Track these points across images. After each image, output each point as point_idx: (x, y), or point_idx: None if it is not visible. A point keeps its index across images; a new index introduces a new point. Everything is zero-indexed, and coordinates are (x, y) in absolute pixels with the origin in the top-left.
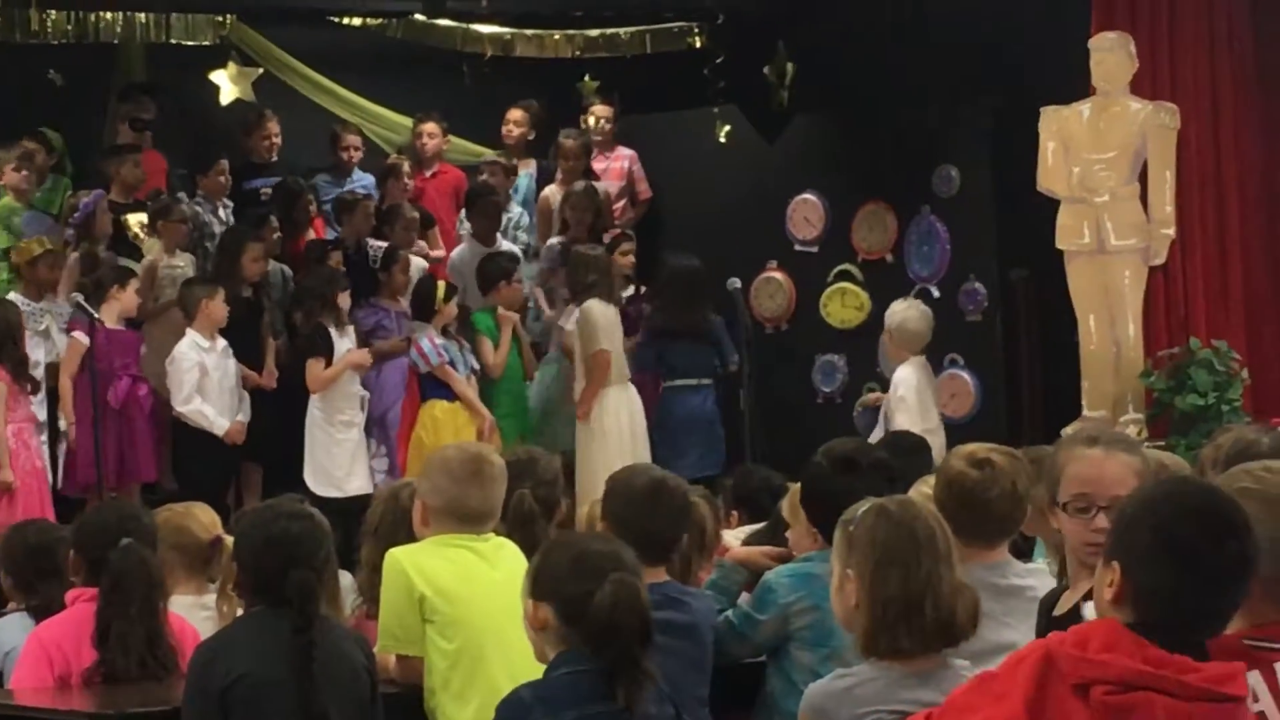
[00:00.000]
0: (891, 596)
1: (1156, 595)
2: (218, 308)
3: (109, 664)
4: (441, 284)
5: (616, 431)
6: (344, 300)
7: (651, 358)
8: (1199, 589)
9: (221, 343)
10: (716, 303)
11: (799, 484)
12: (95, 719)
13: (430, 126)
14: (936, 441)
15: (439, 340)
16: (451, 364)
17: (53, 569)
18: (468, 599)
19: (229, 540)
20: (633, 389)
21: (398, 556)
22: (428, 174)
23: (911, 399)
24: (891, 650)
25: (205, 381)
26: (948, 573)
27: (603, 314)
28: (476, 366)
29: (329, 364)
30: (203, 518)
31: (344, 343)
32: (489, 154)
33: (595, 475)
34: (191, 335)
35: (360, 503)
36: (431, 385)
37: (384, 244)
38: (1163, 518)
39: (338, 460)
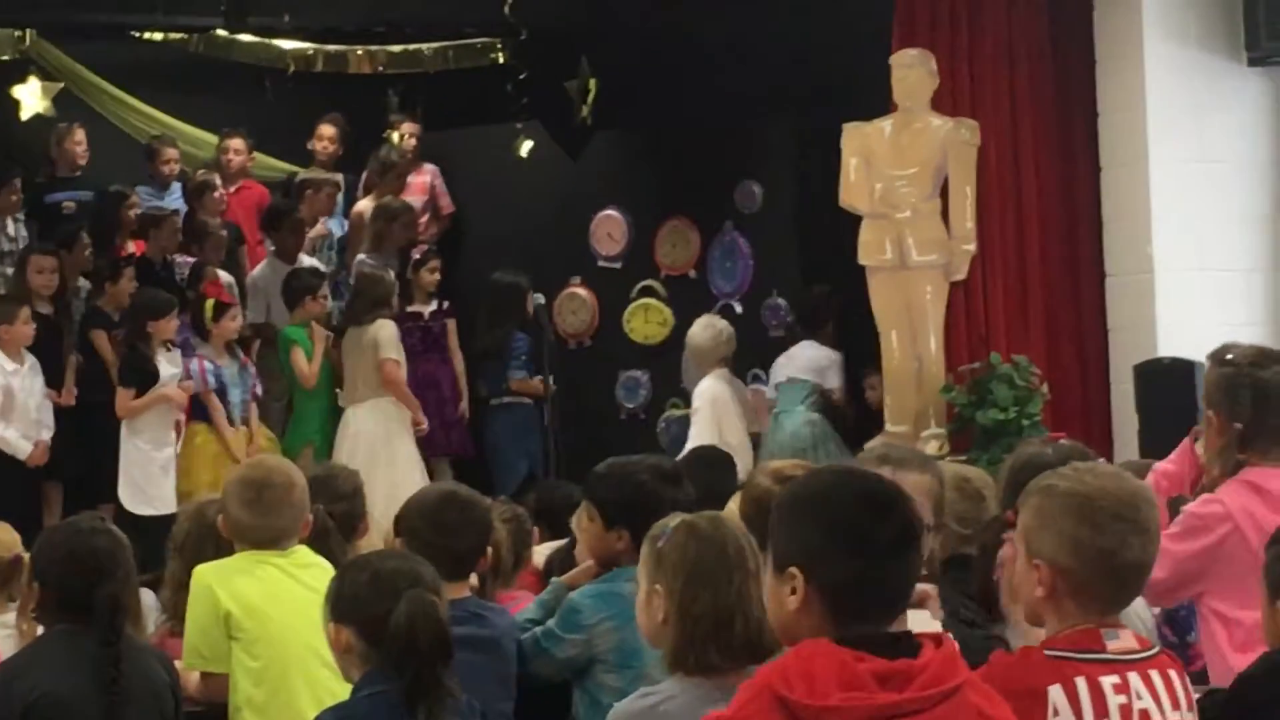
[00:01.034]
0: (702, 613)
1: (843, 586)
2: (19, 329)
3: None
4: (210, 302)
5: (347, 452)
6: (163, 325)
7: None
8: (880, 566)
9: (29, 360)
10: (522, 320)
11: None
12: None
13: (236, 143)
14: (743, 456)
15: (209, 364)
16: (222, 390)
17: None
18: (274, 616)
19: (28, 558)
20: (380, 407)
21: (204, 573)
22: (230, 190)
23: (706, 411)
24: (701, 666)
25: (9, 403)
26: (757, 589)
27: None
28: (260, 392)
29: (140, 393)
30: (2, 536)
31: (168, 366)
32: (301, 171)
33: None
34: None
35: (171, 520)
36: (200, 406)
37: (191, 260)
38: (826, 510)
39: (151, 476)
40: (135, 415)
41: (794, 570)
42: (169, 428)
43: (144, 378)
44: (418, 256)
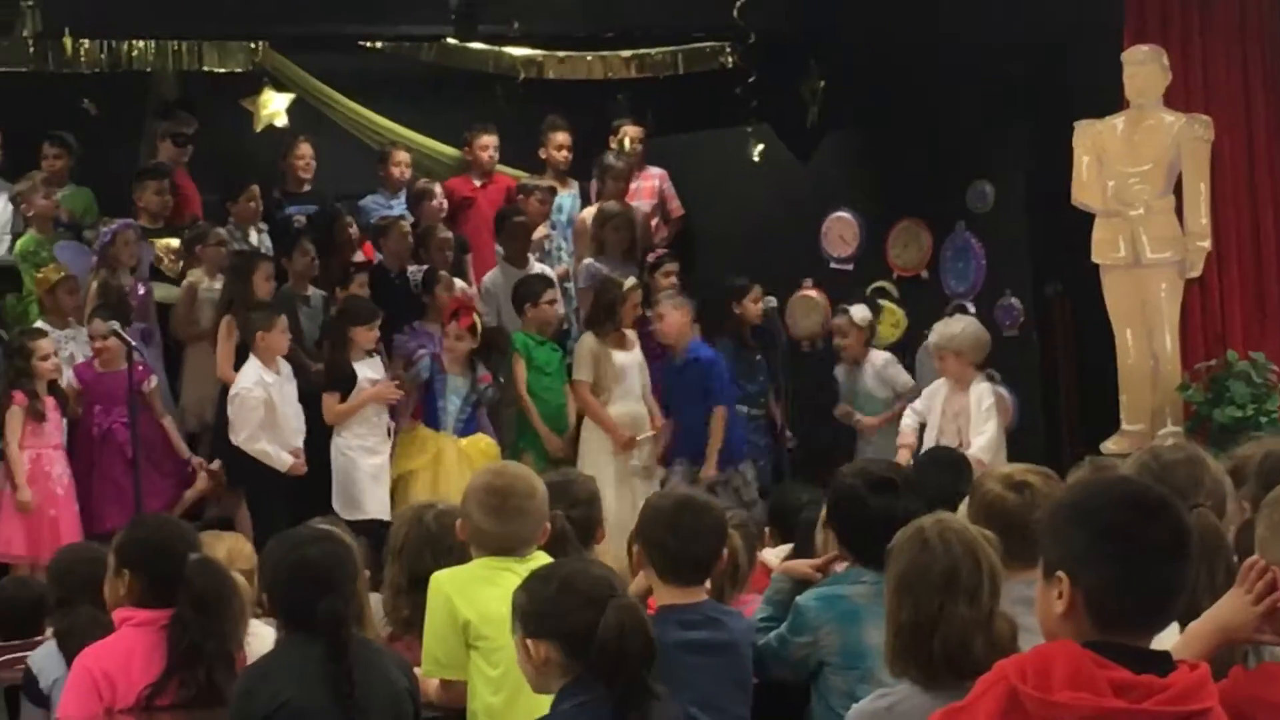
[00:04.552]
0: (904, 623)
1: (1108, 589)
2: (276, 338)
3: (199, 683)
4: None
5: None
6: (362, 332)
7: None
8: (1145, 569)
9: (286, 369)
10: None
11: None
12: None
13: (491, 139)
14: (1000, 457)
15: (425, 366)
16: (434, 395)
17: (86, 589)
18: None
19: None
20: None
21: (442, 581)
22: (478, 183)
23: (995, 410)
24: (905, 674)
25: (271, 415)
26: (967, 607)
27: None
28: (488, 397)
29: (344, 397)
30: (219, 551)
31: (368, 372)
32: (524, 176)
33: None
34: (255, 368)
35: (379, 526)
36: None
37: (423, 267)
38: (1092, 513)
39: (359, 483)
40: (342, 419)
41: (1060, 575)
42: (378, 434)
43: (345, 383)
44: (652, 260)
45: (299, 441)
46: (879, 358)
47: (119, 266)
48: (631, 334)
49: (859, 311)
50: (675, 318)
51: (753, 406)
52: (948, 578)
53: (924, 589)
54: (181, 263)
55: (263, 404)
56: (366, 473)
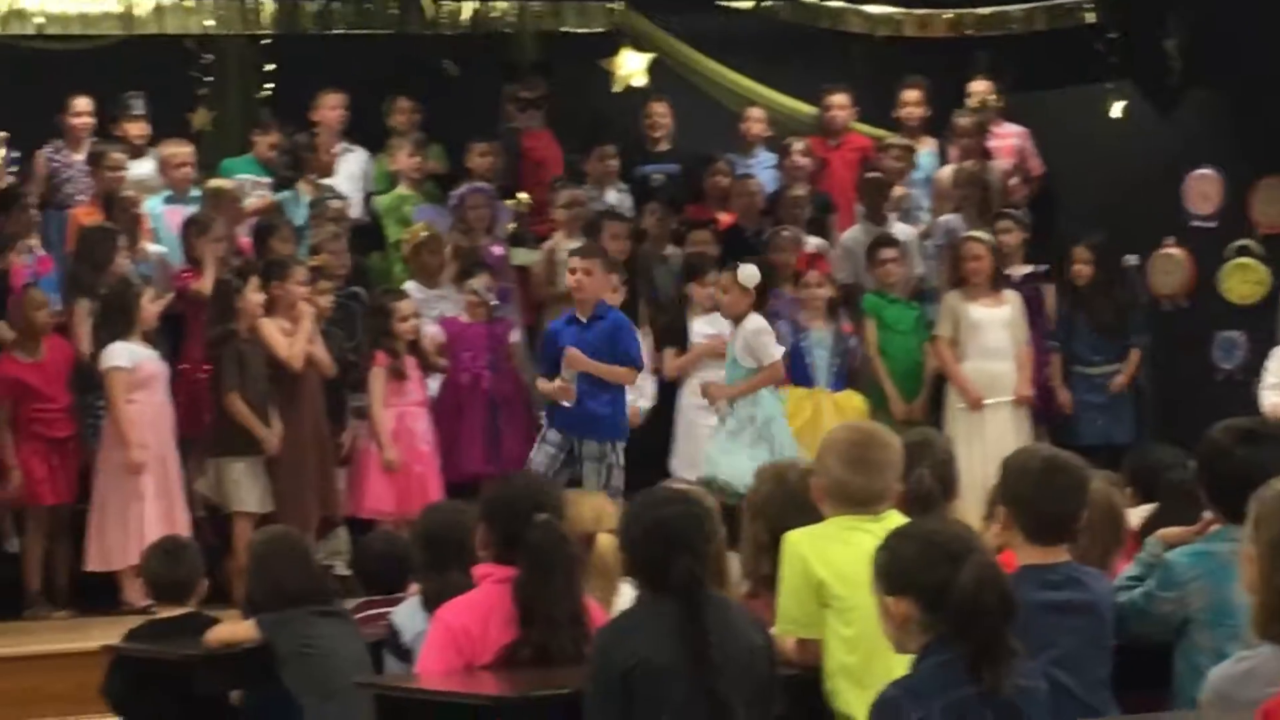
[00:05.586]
0: None
1: None
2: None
3: (534, 644)
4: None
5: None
6: (699, 289)
7: None
8: None
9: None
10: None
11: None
12: (498, 702)
13: (841, 98)
14: None
15: (785, 325)
16: (800, 353)
17: (456, 552)
18: (867, 584)
19: (602, 539)
20: (977, 372)
21: (796, 540)
22: (832, 144)
23: None
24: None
25: None
26: None
27: None
28: (854, 346)
29: (681, 352)
30: (585, 511)
31: (705, 327)
32: (882, 135)
33: None
34: None
35: None
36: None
37: (777, 228)
38: None
39: (698, 445)
40: (676, 374)
41: None
42: None
43: (679, 337)
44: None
45: (641, 404)
46: (752, 323)
47: (471, 229)
48: (1007, 291)
49: (745, 271)
50: (598, 278)
51: (1086, 366)
52: None
53: None
54: (513, 225)
55: None
56: (707, 434)
